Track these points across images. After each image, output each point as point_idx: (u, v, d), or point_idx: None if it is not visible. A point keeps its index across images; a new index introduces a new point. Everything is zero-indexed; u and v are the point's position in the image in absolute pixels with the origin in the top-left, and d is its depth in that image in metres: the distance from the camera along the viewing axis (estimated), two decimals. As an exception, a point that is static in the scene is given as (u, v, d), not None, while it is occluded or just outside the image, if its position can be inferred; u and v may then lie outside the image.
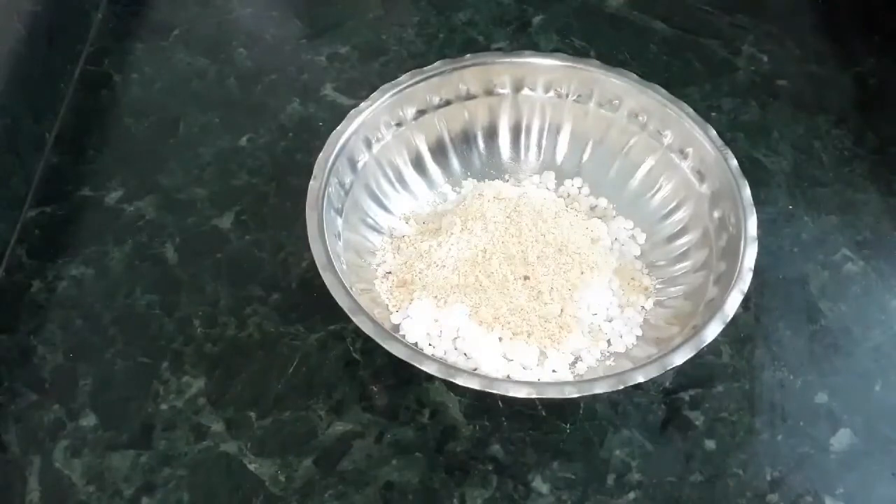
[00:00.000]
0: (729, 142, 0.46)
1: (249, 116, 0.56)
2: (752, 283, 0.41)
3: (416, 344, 0.42)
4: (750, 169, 0.44)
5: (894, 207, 0.52)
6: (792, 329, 0.46)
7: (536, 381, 0.41)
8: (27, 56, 0.53)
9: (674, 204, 0.48)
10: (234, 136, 0.55)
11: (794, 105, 0.57)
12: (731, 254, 0.42)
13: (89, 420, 0.43)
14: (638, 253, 0.48)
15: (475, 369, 0.41)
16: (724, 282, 0.41)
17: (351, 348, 0.45)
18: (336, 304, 0.39)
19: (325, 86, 0.58)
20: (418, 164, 0.50)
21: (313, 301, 0.46)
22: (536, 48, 0.60)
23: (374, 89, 0.48)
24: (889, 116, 0.56)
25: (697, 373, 0.44)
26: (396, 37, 0.61)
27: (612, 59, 0.59)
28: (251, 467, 0.41)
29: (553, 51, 0.60)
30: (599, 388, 0.37)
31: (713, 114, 0.56)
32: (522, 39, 0.61)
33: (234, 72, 0.59)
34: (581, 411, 0.43)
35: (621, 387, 0.37)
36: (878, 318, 0.47)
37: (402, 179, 0.49)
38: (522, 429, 0.42)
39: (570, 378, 0.42)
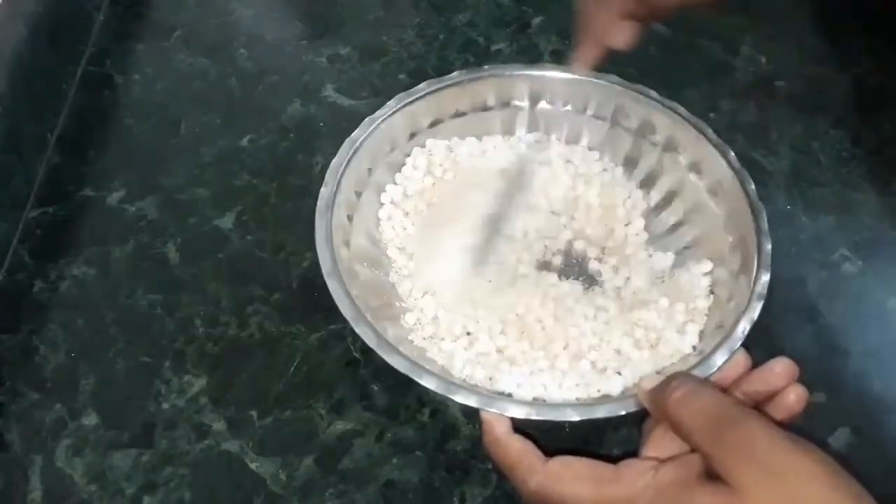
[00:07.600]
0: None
1: (250, 117, 0.56)
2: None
3: (420, 344, 0.42)
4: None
5: (892, 208, 0.52)
6: (790, 329, 0.47)
7: (540, 401, 0.40)
8: (29, 57, 0.53)
9: (686, 223, 0.47)
10: (235, 137, 0.55)
11: (793, 106, 0.57)
12: (744, 276, 0.41)
13: (91, 419, 0.43)
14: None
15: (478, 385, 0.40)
16: (736, 306, 0.40)
17: (351, 347, 0.45)
18: (336, 304, 0.39)
19: (326, 86, 0.58)
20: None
21: (314, 301, 0.46)
22: (536, 49, 0.61)
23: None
24: (887, 117, 0.56)
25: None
26: (396, 38, 0.61)
27: (610, 59, 0.59)
28: (252, 466, 0.41)
29: (553, 52, 0.60)
30: (600, 413, 0.36)
31: (711, 114, 0.56)
32: (522, 41, 0.61)
33: (236, 72, 0.59)
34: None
35: (623, 412, 0.36)
36: (876, 318, 0.48)
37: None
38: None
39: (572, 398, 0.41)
